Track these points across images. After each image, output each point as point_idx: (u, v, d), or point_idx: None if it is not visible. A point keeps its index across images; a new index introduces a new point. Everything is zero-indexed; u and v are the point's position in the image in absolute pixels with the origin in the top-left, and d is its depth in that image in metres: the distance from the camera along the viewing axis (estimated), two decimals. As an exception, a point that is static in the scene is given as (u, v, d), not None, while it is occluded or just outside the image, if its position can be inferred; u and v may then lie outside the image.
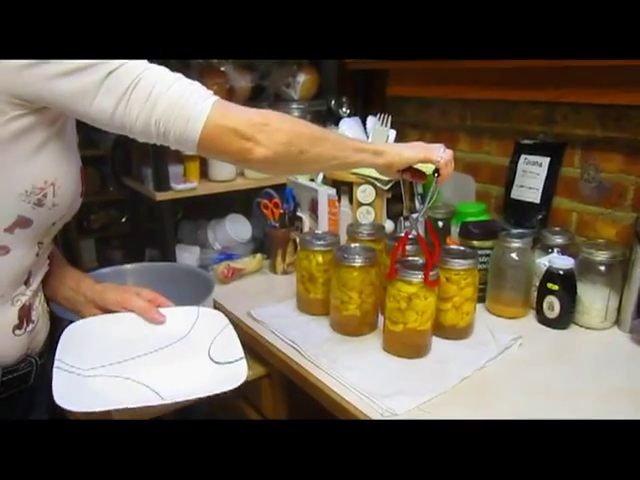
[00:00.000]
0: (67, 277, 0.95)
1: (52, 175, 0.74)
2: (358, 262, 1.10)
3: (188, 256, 1.61)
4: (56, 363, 0.79)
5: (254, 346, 1.21)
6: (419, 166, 1.01)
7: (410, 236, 1.11)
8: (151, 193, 1.47)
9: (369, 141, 0.95)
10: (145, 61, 0.71)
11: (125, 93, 0.68)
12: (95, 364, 0.82)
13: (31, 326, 0.83)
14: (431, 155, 0.95)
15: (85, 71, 0.66)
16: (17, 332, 0.80)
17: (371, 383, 0.96)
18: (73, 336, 0.86)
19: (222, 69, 1.59)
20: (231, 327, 0.90)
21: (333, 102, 1.84)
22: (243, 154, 0.75)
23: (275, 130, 0.76)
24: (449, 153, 0.97)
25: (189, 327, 0.91)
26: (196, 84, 0.74)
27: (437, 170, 0.98)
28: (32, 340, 0.84)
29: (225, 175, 1.59)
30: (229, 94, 1.61)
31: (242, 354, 0.83)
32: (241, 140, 0.73)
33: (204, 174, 1.58)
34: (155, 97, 0.69)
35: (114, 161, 1.80)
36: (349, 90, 1.90)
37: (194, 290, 1.18)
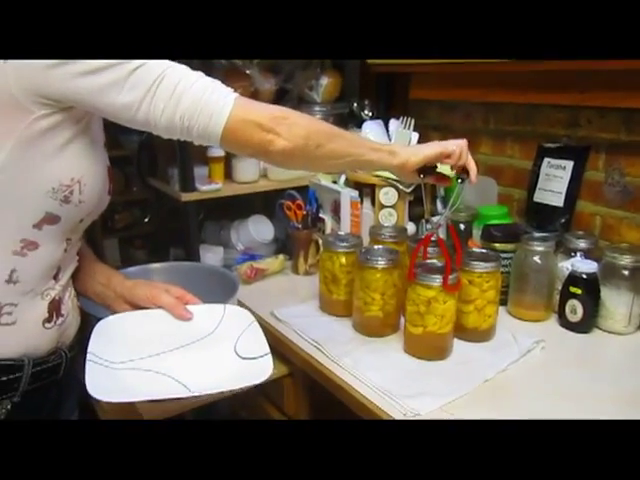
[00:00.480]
0: (97, 273, 0.98)
1: (78, 172, 0.77)
2: (381, 264, 1.11)
3: (212, 256, 1.63)
4: (88, 356, 0.82)
5: (277, 345, 1.23)
6: (442, 170, 1.02)
7: (432, 238, 1.12)
8: (177, 194, 1.49)
9: (391, 143, 0.95)
10: (166, 60, 0.74)
11: (149, 90, 0.71)
12: (125, 358, 0.85)
13: (61, 320, 0.85)
14: (445, 147, 0.96)
15: (109, 69, 0.69)
16: (47, 325, 0.82)
17: (394, 384, 0.97)
18: (104, 330, 0.88)
19: (247, 72, 1.61)
20: (257, 324, 0.92)
21: (355, 105, 1.85)
22: (264, 146, 0.78)
23: (294, 124, 0.80)
24: (464, 141, 0.99)
25: (216, 324, 0.93)
26: (217, 82, 0.77)
27: (461, 175, 0.99)
28: (62, 333, 0.86)
29: (249, 176, 1.61)
30: (253, 96, 1.62)
31: (268, 350, 0.85)
32: (262, 132, 0.77)
33: (228, 175, 1.60)
34: (179, 93, 0.72)
35: (140, 162, 1.83)
36: (371, 93, 1.91)
37: (219, 290, 1.20)
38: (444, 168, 1.03)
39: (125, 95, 0.70)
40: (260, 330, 0.91)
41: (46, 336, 0.83)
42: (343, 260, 1.23)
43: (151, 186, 1.79)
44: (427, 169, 0.98)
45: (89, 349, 0.83)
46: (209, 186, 1.50)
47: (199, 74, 0.76)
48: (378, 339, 1.15)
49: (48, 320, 0.82)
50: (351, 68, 1.92)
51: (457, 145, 0.97)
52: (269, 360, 0.83)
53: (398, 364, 1.05)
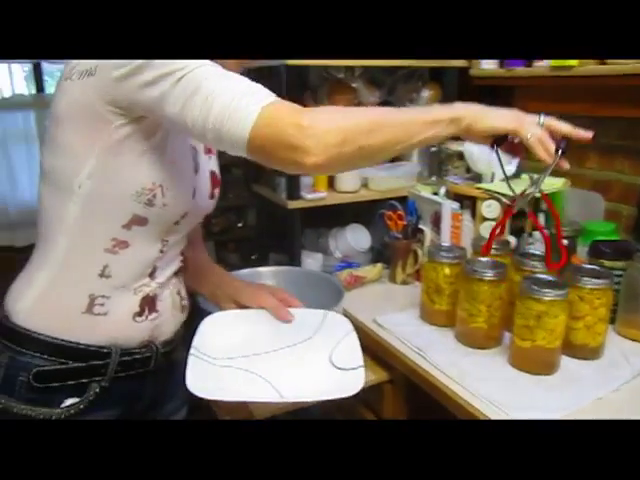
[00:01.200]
0: (211, 273, 1.05)
1: (158, 178, 0.81)
2: (488, 276, 1.12)
3: (312, 262, 1.69)
4: (191, 350, 0.86)
5: (378, 351, 1.26)
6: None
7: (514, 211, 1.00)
8: (283, 201, 1.56)
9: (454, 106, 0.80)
10: (212, 66, 0.71)
11: (189, 98, 0.70)
12: (225, 355, 0.89)
13: (154, 315, 0.89)
14: (520, 129, 0.81)
15: (165, 79, 0.70)
16: (137, 319, 0.86)
17: (502, 395, 0.98)
18: (209, 327, 0.94)
19: (353, 85, 1.66)
20: (354, 333, 0.92)
21: (455, 117, 1.86)
22: (292, 164, 0.71)
23: (324, 132, 0.69)
24: (545, 129, 0.82)
25: (315, 329, 0.95)
26: (254, 87, 0.72)
27: (559, 144, 0.83)
28: (155, 328, 0.90)
29: (350, 186, 1.66)
30: (356, 109, 1.68)
31: (362, 362, 0.84)
32: (287, 150, 0.69)
33: (330, 185, 1.65)
34: (212, 100, 0.69)
35: (246, 169, 1.92)
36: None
37: (324, 296, 1.25)
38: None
39: (172, 103, 0.70)
40: (357, 340, 0.90)
41: (136, 329, 0.87)
42: (447, 271, 1.25)
43: (255, 192, 1.88)
44: (500, 137, 0.84)
45: (193, 343, 0.88)
46: (314, 195, 1.56)
47: (238, 79, 0.72)
48: (480, 351, 1.16)
49: (139, 314, 0.87)
50: (450, 80, 1.93)
51: (535, 136, 0.80)
52: (361, 373, 0.82)
53: (505, 376, 1.05)
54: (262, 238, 2.12)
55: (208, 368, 0.85)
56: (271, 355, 0.92)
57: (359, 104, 1.70)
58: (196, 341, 0.89)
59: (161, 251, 0.88)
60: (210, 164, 0.95)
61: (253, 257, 2.52)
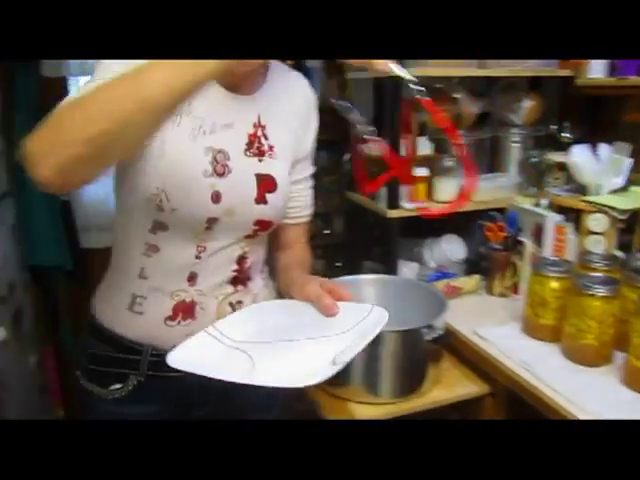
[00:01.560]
0: (285, 275, 0.99)
1: (160, 183, 0.81)
2: (601, 292, 1.09)
3: (407, 271, 1.69)
4: (209, 327, 0.84)
5: (479, 364, 1.26)
6: None
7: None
8: (382, 210, 1.58)
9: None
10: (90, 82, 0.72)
11: None
12: (241, 338, 0.83)
13: (189, 321, 0.89)
14: None
15: None
16: (169, 323, 0.89)
17: (615, 415, 0.95)
18: (245, 312, 0.91)
19: (454, 96, 1.66)
20: (378, 332, 0.79)
21: (556, 128, 1.82)
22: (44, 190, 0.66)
23: (31, 147, 0.63)
24: None
25: (354, 323, 0.84)
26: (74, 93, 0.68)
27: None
28: (189, 335, 0.86)
29: (447, 196, 1.65)
30: (456, 120, 1.68)
31: (347, 360, 0.73)
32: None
33: (429, 195, 1.65)
34: None
35: (340, 177, 1.96)
36: (572, 115, 1.86)
37: (425, 306, 1.27)
38: None
39: None
40: (370, 338, 0.78)
41: (167, 332, 0.89)
42: (554, 284, 1.23)
43: (348, 200, 1.91)
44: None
45: (214, 323, 0.85)
46: (413, 204, 1.57)
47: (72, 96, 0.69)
48: (589, 369, 1.13)
49: (171, 318, 0.88)
50: (552, 90, 1.88)
51: None
52: (333, 370, 0.71)
53: (617, 396, 1.03)
54: (349, 245, 2.14)
55: (211, 344, 0.82)
56: (284, 344, 0.83)
57: (459, 115, 1.69)
58: (220, 322, 0.86)
59: (197, 257, 0.87)
60: (257, 167, 0.89)
61: (338, 264, 2.56)
